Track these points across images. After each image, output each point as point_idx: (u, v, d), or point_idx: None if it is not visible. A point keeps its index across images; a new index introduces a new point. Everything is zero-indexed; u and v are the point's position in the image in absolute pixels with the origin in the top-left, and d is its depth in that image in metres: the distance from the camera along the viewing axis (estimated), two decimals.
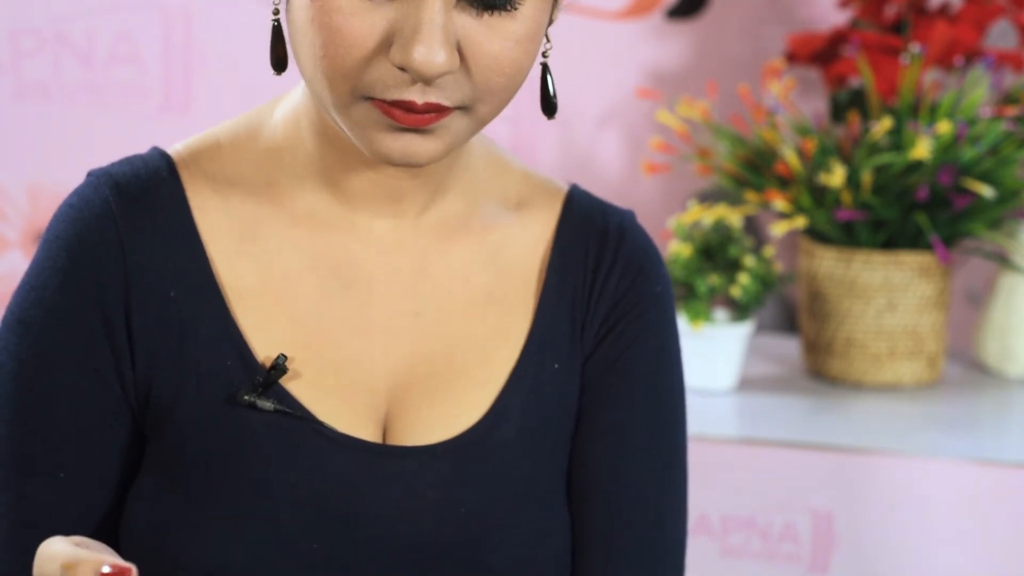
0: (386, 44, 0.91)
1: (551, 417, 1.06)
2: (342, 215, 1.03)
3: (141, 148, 1.07)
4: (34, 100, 2.29)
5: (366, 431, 1.01)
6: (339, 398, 1.01)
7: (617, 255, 1.08)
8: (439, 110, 0.92)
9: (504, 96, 0.95)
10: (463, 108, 0.94)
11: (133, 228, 1.00)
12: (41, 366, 0.99)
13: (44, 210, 2.27)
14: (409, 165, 0.95)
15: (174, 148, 1.04)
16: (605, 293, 1.07)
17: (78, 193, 1.02)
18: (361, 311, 1.03)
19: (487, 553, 1.02)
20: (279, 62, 0.98)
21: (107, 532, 1.00)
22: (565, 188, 1.10)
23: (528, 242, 1.08)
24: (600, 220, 1.09)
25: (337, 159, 1.01)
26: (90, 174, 1.03)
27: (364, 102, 0.93)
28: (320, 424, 0.99)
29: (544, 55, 0.98)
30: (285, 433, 0.99)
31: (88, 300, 0.99)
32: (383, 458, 1.01)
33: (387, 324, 1.03)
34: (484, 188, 1.07)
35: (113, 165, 1.03)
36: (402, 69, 0.91)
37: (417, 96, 0.91)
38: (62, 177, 2.25)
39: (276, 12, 0.97)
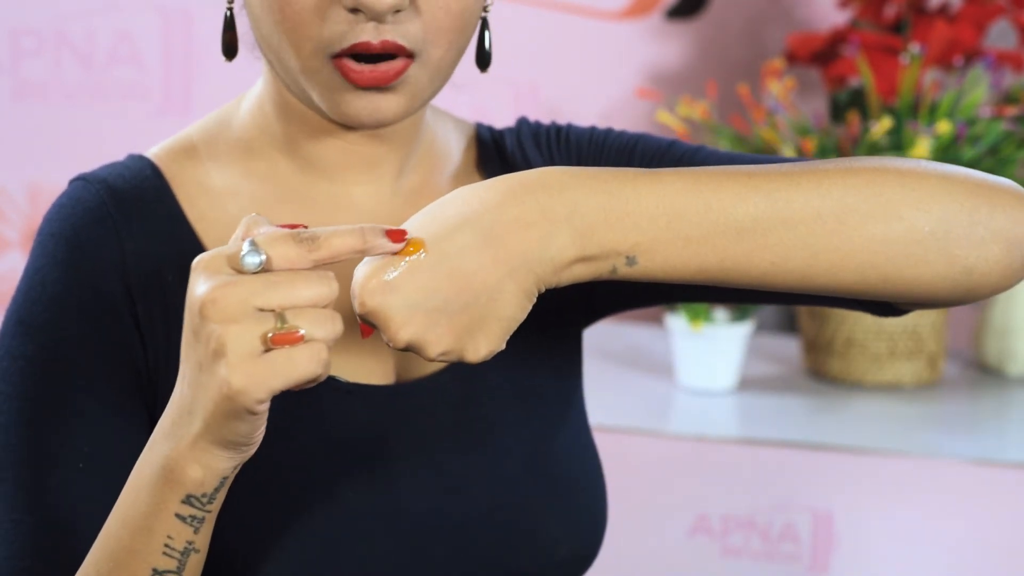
0: None
1: (544, 309, 1.10)
2: (322, 188, 1.06)
3: (141, 148, 1.09)
4: (34, 100, 2.29)
5: (379, 376, 1.05)
6: (347, 353, 1.04)
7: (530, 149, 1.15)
8: (396, 50, 0.96)
9: (453, 38, 0.98)
10: (417, 56, 0.97)
11: (128, 219, 1.02)
12: (49, 360, 0.99)
13: (44, 210, 2.27)
14: (379, 124, 0.99)
15: (150, 152, 1.07)
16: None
17: (68, 195, 1.04)
18: (352, 269, 1.04)
19: (504, 465, 1.05)
20: (229, 49, 1.03)
21: None
22: (472, 123, 1.17)
23: (473, 177, 1.13)
24: (505, 139, 1.15)
25: (306, 134, 1.04)
26: (74, 180, 1.05)
27: (328, 64, 0.97)
28: (333, 378, 1.02)
29: (485, 10, 1.03)
30: (301, 395, 1.00)
31: (90, 288, 1.00)
32: (397, 397, 1.04)
33: None
34: (442, 149, 1.11)
35: (96, 170, 1.05)
36: (354, 11, 0.95)
37: (372, 36, 0.95)
38: (62, 177, 2.24)
39: (231, 2, 1.03)
